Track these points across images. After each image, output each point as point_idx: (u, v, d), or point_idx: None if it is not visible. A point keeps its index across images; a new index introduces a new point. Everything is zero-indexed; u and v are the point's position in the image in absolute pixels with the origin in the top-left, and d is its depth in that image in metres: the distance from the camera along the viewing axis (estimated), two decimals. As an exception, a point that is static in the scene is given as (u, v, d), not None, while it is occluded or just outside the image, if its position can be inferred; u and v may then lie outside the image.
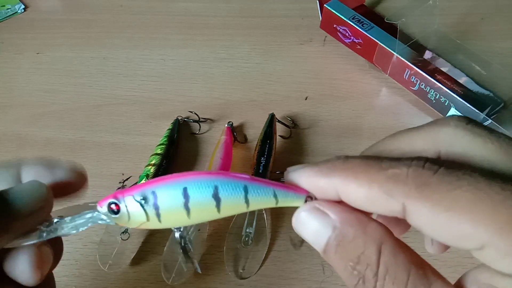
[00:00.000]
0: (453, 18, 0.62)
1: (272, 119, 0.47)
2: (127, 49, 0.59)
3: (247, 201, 0.21)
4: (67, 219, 0.22)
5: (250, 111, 0.52)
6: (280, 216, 0.42)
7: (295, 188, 0.21)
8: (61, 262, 0.39)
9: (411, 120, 0.51)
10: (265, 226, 0.40)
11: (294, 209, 0.20)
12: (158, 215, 0.20)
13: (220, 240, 0.40)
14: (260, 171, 0.42)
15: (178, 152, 0.47)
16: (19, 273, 0.20)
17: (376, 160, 0.18)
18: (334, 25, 0.56)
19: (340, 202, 0.19)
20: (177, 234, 0.23)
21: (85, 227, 0.22)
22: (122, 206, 0.21)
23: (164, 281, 0.37)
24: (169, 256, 0.38)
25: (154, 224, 0.21)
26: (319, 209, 0.19)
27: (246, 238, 0.40)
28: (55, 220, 0.22)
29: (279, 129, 0.48)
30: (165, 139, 0.46)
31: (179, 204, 0.20)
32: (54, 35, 0.61)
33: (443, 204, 0.16)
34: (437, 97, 0.49)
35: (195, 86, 0.55)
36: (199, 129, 0.50)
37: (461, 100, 0.46)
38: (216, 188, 0.20)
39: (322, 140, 0.49)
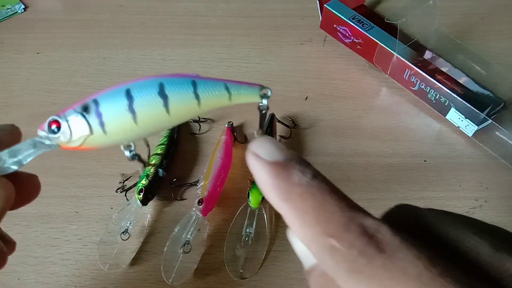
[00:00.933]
0: (453, 18, 0.62)
1: (272, 119, 0.47)
2: (127, 49, 0.59)
3: (197, 97, 0.19)
4: (3, 153, 0.20)
5: (250, 111, 0.51)
6: (280, 216, 0.42)
7: (247, 82, 0.20)
8: (61, 262, 0.40)
9: (411, 120, 0.51)
10: (265, 226, 0.40)
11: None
12: (101, 124, 0.19)
13: (220, 240, 0.40)
14: (260, 171, 0.42)
15: (178, 152, 0.47)
16: None
17: (330, 212, 0.16)
18: (334, 25, 0.56)
19: None
20: (127, 153, 0.21)
21: (28, 158, 0.20)
22: (62, 122, 0.19)
23: (164, 281, 0.37)
24: (169, 256, 0.38)
25: (98, 138, 0.19)
26: None
27: (246, 238, 0.40)
28: None
29: (279, 129, 0.48)
30: (165, 139, 0.46)
31: (122, 107, 0.19)
32: (54, 35, 0.61)
33: None
34: (437, 97, 0.49)
35: (195, 86, 0.54)
36: (199, 129, 0.50)
37: (461, 100, 0.46)
38: (161, 85, 0.19)
39: (322, 140, 0.49)
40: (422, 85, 0.50)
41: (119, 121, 0.19)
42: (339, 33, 0.57)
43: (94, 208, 0.43)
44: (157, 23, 0.63)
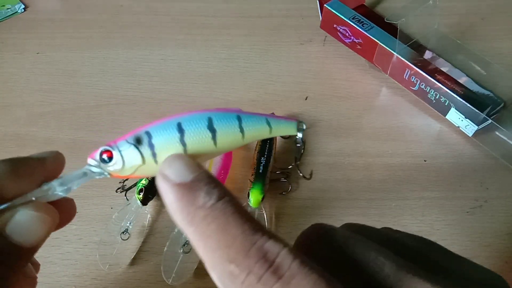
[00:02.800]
0: (453, 18, 0.62)
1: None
2: (127, 49, 0.59)
3: (242, 131, 0.21)
4: (55, 182, 0.21)
5: (250, 110, 0.51)
6: (280, 216, 0.42)
7: (285, 117, 0.22)
8: (61, 262, 0.40)
9: (411, 120, 0.51)
10: (265, 226, 0.40)
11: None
12: (154, 155, 0.20)
13: (220, 240, 0.40)
14: (260, 171, 0.42)
15: (178, 152, 0.47)
16: (19, 231, 0.20)
17: (233, 234, 0.16)
18: (334, 25, 0.56)
19: None
20: None
21: (76, 186, 0.21)
22: (115, 152, 0.20)
23: (164, 281, 0.37)
24: (169, 256, 0.38)
25: (150, 167, 0.20)
26: None
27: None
28: (44, 186, 0.21)
29: (279, 129, 0.48)
30: (165, 139, 0.46)
31: (174, 139, 0.20)
32: (54, 35, 0.61)
33: None
34: (437, 97, 0.49)
35: (195, 86, 0.55)
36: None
37: (461, 100, 0.46)
38: (210, 120, 0.20)
39: (322, 140, 0.49)
40: (422, 85, 0.50)
41: (171, 153, 0.20)
42: (339, 33, 0.57)
43: (94, 208, 0.43)
44: (157, 23, 0.63)
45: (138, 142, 0.20)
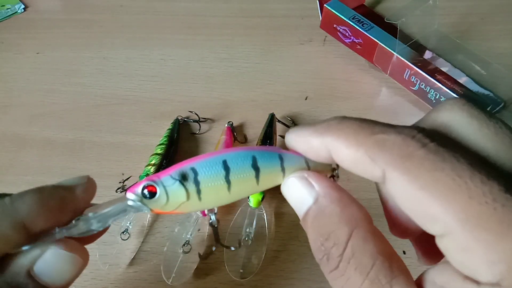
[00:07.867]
0: (453, 18, 0.62)
1: (272, 119, 0.47)
2: (127, 49, 0.59)
3: (283, 169, 0.21)
4: (93, 220, 0.20)
5: (250, 111, 0.52)
6: (280, 216, 0.42)
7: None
8: (61, 262, 0.40)
9: (411, 120, 0.51)
10: (264, 226, 0.40)
11: (293, 212, 0.21)
12: (198, 192, 0.20)
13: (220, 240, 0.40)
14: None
15: (178, 152, 0.47)
16: (49, 273, 0.19)
17: (370, 124, 0.18)
18: (334, 25, 0.56)
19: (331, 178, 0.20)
20: (213, 217, 0.23)
21: (114, 221, 0.21)
22: (159, 187, 0.19)
23: (164, 281, 0.37)
24: (169, 256, 0.38)
25: (193, 204, 0.20)
26: (307, 179, 0.20)
27: (246, 238, 0.40)
28: (80, 223, 0.20)
29: (279, 129, 0.48)
30: (165, 139, 0.46)
31: (220, 177, 0.20)
32: (54, 35, 0.61)
33: (420, 181, 0.15)
34: (437, 97, 0.49)
35: (195, 86, 0.55)
36: (199, 129, 0.50)
37: (461, 100, 0.46)
38: (254, 158, 0.20)
39: (322, 140, 0.49)
40: (422, 85, 0.50)
41: (215, 190, 0.20)
42: (339, 33, 0.57)
43: (94, 208, 0.43)
44: (157, 23, 0.63)
45: (183, 178, 0.19)
